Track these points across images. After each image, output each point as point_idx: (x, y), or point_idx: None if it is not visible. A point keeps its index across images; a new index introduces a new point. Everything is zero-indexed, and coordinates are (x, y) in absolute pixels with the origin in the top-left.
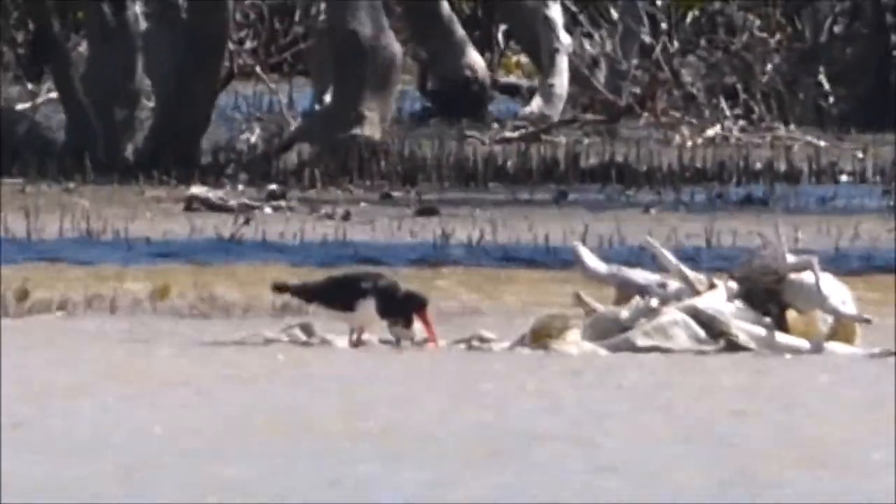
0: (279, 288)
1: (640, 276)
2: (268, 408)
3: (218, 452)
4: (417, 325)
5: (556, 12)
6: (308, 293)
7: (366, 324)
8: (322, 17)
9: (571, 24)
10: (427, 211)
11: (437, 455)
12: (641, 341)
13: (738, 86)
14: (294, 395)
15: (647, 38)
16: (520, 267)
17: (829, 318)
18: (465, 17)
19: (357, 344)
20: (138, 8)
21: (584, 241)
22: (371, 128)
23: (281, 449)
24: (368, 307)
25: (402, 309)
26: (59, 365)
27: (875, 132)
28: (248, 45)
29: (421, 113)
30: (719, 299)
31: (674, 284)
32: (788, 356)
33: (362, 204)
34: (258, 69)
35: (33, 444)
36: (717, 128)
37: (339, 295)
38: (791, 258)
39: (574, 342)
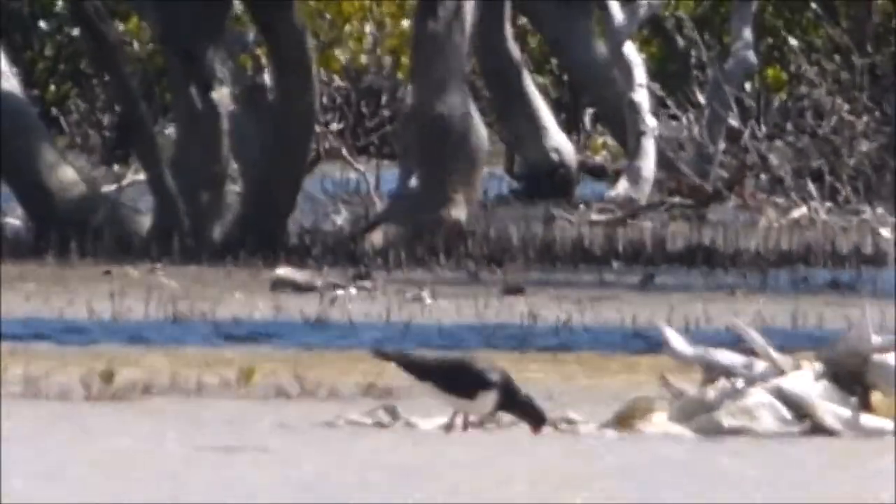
0: (381, 354)
1: (725, 357)
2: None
3: None
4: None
5: (642, 96)
6: (422, 370)
7: (480, 414)
8: (408, 100)
9: (658, 107)
10: (513, 290)
11: None
12: (727, 422)
13: (825, 168)
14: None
15: (735, 123)
16: (606, 349)
17: None
18: (552, 100)
19: (451, 428)
20: (225, 90)
21: (670, 324)
22: (457, 209)
23: None
24: (489, 399)
25: (520, 408)
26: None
27: None
28: (335, 126)
29: (508, 194)
30: (805, 380)
31: (760, 365)
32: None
33: (447, 286)
34: (344, 151)
35: None
36: (804, 209)
37: (461, 381)
38: (875, 339)
39: (660, 424)
